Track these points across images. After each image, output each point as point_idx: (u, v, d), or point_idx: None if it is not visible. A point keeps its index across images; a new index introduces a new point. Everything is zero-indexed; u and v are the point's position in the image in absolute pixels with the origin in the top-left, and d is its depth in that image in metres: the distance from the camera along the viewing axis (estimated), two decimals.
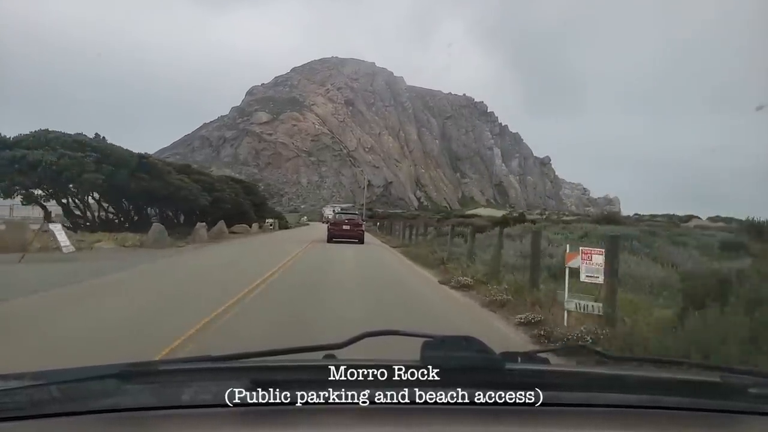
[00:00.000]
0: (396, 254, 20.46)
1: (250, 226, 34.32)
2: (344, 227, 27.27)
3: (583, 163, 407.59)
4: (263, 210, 49.33)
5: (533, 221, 38.22)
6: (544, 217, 61.96)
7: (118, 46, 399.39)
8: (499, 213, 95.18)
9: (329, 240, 26.59)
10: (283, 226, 52.51)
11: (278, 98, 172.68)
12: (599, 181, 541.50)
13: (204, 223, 22.92)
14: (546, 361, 1.45)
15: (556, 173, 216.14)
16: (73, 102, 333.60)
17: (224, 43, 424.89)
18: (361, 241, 26.71)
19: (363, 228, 29.05)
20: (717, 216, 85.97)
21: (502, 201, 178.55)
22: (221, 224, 25.59)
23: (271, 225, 43.45)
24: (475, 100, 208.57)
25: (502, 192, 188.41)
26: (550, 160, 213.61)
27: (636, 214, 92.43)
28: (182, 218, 33.22)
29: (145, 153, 24.26)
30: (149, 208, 29.84)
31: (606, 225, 34.60)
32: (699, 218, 76.47)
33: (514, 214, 47.10)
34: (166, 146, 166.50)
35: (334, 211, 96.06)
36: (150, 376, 1.25)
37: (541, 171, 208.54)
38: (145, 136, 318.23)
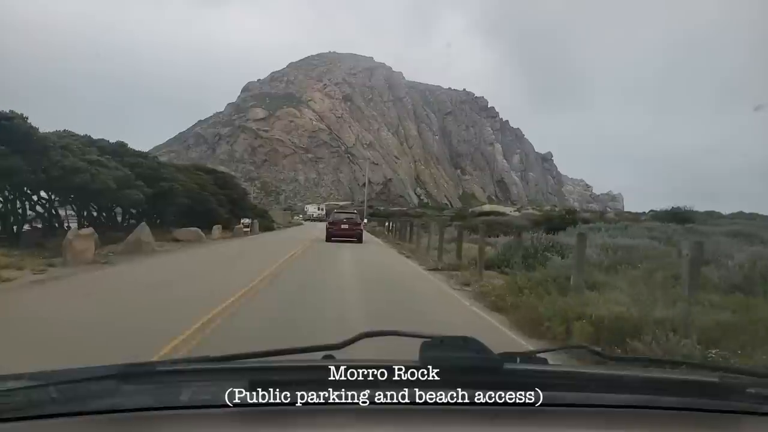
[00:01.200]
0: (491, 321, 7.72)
1: (210, 230, 24.21)
2: (343, 226, 27.10)
3: (585, 160, 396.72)
4: (243, 207, 38.81)
5: (585, 220, 28.15)
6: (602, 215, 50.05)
7: (111, 41, 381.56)
8: (508, 209, 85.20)
9: (328, 239, 26.26)
10: (267, 227, 40.45)
11: (274, 94, 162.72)
12: (601, 178, 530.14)
13: (87, 229, 12.90)
14: (545, 362, 1.42)
15: (558, 169, 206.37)
16: (65, 98, 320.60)
17: (219, 38, 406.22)
18: (360, 240, 26.72)
19: (362, 227, 28.96)
20: (740, 212, 77.32)
21: (503, 198, 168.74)
22: (141, 230, 15.50)
23: (246, 227, 31.73)
24: (476, 95, 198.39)
25: (504, 188, 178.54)
26: (552, 156, 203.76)
27: (648, 210, 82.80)
28: (119, 218, 23.37)
29: (10, 111, 14.08)
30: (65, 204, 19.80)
31: (677, 224, 25.32)
32: (720, 213, 68.31)
33: (561, 211, 35.75)
34: (160, 143, 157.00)
35: (319, 208, 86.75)
36: (149, 377, 1.23)
37: (542, 167, 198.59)
38: (139, 134, 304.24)
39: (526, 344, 6.05)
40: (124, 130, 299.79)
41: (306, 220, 73.60)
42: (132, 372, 1.21)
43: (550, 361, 1.44)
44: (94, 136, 22.28)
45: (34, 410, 1.09)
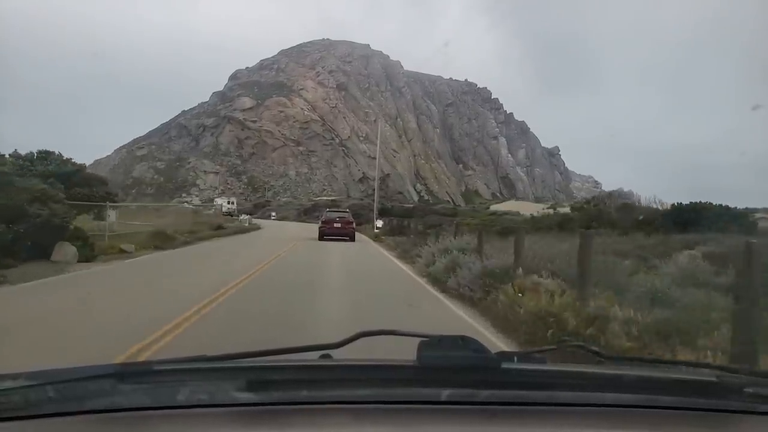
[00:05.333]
0: None
1: None
2: (335, 225, 27.69)
3: (592, 155, 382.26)
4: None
5: None
6: None
7: (85, 25, 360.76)
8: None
9: (320, 237, 26.85)
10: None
11: (263, 83, 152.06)
12: (608, 174, 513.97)
13: None
14: (543, 361, 1.42)
15: (565, 165, 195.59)
16: (32, 89, 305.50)
17: (206, 23, 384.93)
18: (352, 239, 27.43)
19: (354, 226, 28.88)
20: None
21: (508, 195, 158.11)
22: None
23: None
24: (478, 86, 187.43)
25: (509, 185, 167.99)
26: (558, 150, 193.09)
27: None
28: None
29: None
30: None
31: None
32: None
33: None
34: (140, 135, 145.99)
35: (228, 201, 73.73)
36: (146, 376, 1.21)
37: (549, 162, 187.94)
38: (119, 125, 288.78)
39: None
40: (102, 121, 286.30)
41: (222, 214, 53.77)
42: (129, 371, 1.21)
43: (548, 361, 1.45)
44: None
45: (32, 409, 1.08)
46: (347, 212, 31.74)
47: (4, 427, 1.04)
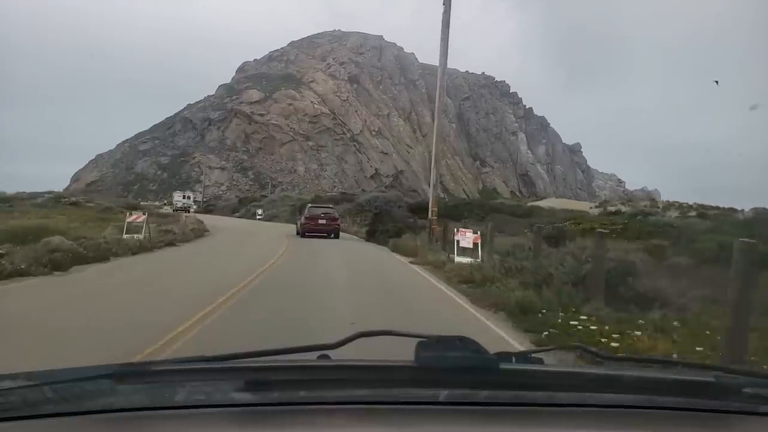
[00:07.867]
0: None
1: None
2: (320, 221, 27.19)
3: (615, 153, 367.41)
4: None
5: None
6: None
7: (88, 16, 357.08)
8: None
9: (303, 234, 26.69)
10: None
11: (272, 75, 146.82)
12: (632, 172, 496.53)
13: None
14: (541, 362, 1.43)
15: (587, 162, 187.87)
16: (38, 82, 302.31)
17: (213, 15, 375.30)
18: (336, 236, 26.98)
19: (338, 223, 28.81)
20: None
21: (528, 193, 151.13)
22: None
23: None
24: (496, 79, 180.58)
25: (528, 183, 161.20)
26: (580, 147, 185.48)
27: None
28: None
29: None
30: None
31: None
32: None
33: None
34: (145, 129, 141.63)
35: (184, 196, 69.83)
36: (144, 377, 1.22)
37: (571, 160, 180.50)
38: (122, 119, 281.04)
39: None
40: (107, 117, 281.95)
41: (174, 210, 47.88)
42: (127, 372, 1.21)
43: (546, 361, 1.45)
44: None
45: (30, 410, 1.09)
46: (332, 208, 31.69)
47: (2, 427, 1.04)
